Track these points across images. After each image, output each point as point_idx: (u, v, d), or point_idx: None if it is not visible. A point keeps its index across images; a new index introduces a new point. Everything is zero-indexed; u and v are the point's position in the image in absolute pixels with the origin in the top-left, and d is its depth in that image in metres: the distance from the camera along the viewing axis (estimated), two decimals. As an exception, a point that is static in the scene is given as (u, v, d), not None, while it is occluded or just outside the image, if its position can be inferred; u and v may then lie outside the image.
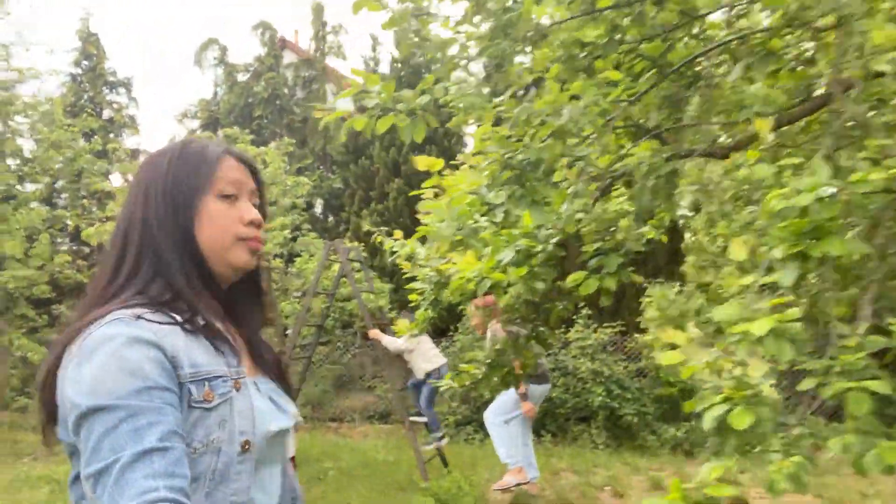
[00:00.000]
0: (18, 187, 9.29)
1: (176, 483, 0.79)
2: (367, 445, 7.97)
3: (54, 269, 8.74)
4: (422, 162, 2.29)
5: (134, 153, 13.61)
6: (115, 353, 0.83)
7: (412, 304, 3.76)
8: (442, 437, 6.15)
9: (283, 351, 6.44)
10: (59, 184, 13.12)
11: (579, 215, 2.35)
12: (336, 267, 6.80)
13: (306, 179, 7.41)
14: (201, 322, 0.94)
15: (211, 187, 0.99)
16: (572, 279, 2.27)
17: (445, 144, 11.01)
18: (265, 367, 1.07)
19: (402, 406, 5.93)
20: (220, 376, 0.92)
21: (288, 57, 13.70)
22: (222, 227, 0.98)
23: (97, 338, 0.84)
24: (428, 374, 5.93)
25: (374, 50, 12.05)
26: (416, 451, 5.69)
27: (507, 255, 2.34)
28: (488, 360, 3.87)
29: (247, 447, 0.91)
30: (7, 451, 7.86)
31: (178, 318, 0.91)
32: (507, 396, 5.27)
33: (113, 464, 0.77)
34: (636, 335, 8.67)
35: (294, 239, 7.25)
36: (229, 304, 1.07)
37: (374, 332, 6.04)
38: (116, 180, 13.97)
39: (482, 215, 2.08)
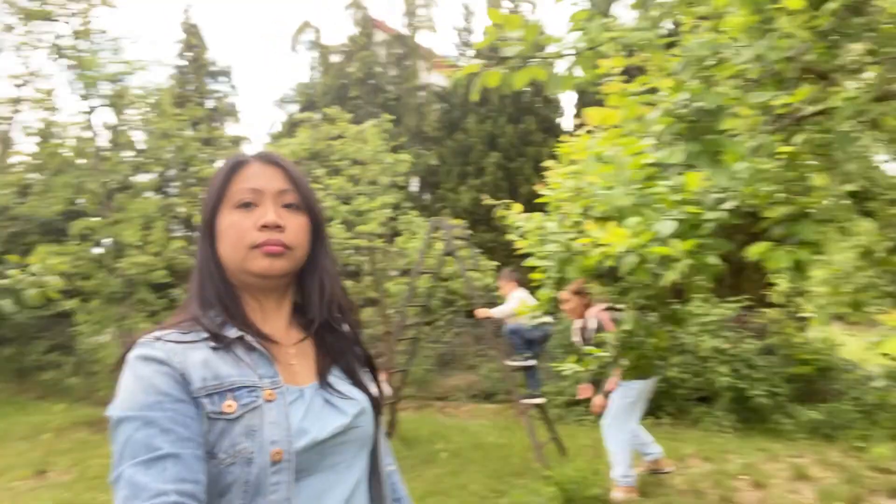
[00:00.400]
0: (133, 178, 9.72)
1: (187, 488, 0.82)
2: (476, 426, 7.81)
3: (170, 254, 9.09)
4: (594, 115, 1.96)
5: (235, 140, 14.03)
6: (133, 370, 0.90)
7: (534, 283, 3.48)
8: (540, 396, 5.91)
9: (389, 332, 6.34)
10: (170, 173, 13.78)
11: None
12: (439, 245, 6.60)
13: (407, 156, 7.21)
14: (231, 335, 0.97)
15: (225, 201, 1.01)
16: (755, 252, 1.89)
17: (543, 113, 10.53)
18: (330, 369, 1.06)
19: (512, 386, 5.65)
20: (247, 387, 0.93)
21: (377, 36, 13.59)
22: (236, 238, 0.99)
23: (129, 355, 0.93)
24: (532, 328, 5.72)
25: (466, 20, 11.69)
26: (532, 435, 5.43)
27: (667, 225, 1.99)
28: (617, 343, 3.55)
29: (278, 457, 0.91)
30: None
31: (204, 334, 0.96)
32: (624, 399, 4.87)
33: (127, 469, 0.82)
34: (763, 310, 7.99)
35: (395, 218, 7.11)
36: (304, 306, 1.09)
37: (482, 311, 5.81)
38: (221, 167, 14.39)
39: (648, 178, 1.73)
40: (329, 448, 0.99)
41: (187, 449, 0.85)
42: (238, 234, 1.00)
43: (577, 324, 5.20)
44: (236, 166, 1.03)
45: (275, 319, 1.06)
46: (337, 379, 1.06)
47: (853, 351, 7.81)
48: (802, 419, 6.87)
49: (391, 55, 12.56)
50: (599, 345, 4.95)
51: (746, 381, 7.02)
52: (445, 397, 9.63)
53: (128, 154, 9.45)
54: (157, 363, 0.90)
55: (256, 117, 31.37)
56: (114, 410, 0.89)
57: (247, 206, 1.01)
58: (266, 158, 1.05)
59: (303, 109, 13.23)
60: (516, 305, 5.65)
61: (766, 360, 7.42)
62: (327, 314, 1.09)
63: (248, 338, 0.98)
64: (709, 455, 5.96)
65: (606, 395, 4.90)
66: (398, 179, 7.28)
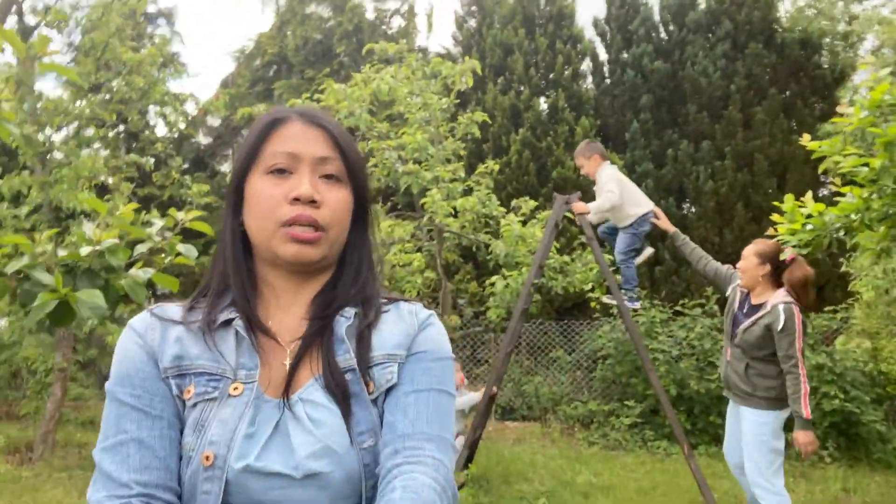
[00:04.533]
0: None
1: (151, 478, 0.76)
2: (527, 453, 6.40)
3: None
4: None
5: (181, 98, 11.67)
6: (120, 342, 0.85)
7: None
8: (638, 299, 4.58)
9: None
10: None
11: None
12: (537, 231, 5.13)
13: (482, 116, 5.63)
14: (220, 319, 0.85)
15: (257, 164, 0.88)
16: None
17: (571, 88, 9.26)
18: (318, 379, 0.84)
19: (678, 429, 4.29)
20: (209, 373, 0.82)
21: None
22: (265, 210, 0.85)
23: None
24: (633, 221, 4.38)
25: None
26: (704, 489, 4.10)
27: None
28: None
29: (208, 462, 0.77)
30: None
31: (196, 314, 0.87)
32: (772, 437, 3.48)
33: (98, 453, 0.78)
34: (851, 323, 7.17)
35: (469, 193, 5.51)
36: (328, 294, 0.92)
37: (580, 205, 4.40)
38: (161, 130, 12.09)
39: None
40: (278, 488, 0.77)
41: (154, 430, 0.78)
42: (266, 205, 0.85)
43: (738, 295, 3.77)
44: (274, 124, 0.88)
45: (290, 306, 0.90)
46: (318, 395, 0.83)
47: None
48: (914, 448, 6.05)
49: (383, 11, 10.80)
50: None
51: (856, 403, 6.09)
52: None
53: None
54: (135, 335, 0.84)
55: (205, 72, 26.64)
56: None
57: (280, 172, 0.86)
58: (308, 117, 0.89)
59: (267, 66, 11.20)
60: (616, 188, 4.26)
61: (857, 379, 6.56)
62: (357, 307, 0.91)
63: (238, 323, 0.85)
64: (869, 499, 4.93)
65: (809, 424, 3.36)
66: (458, 146, 5.70)
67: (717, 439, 5.96)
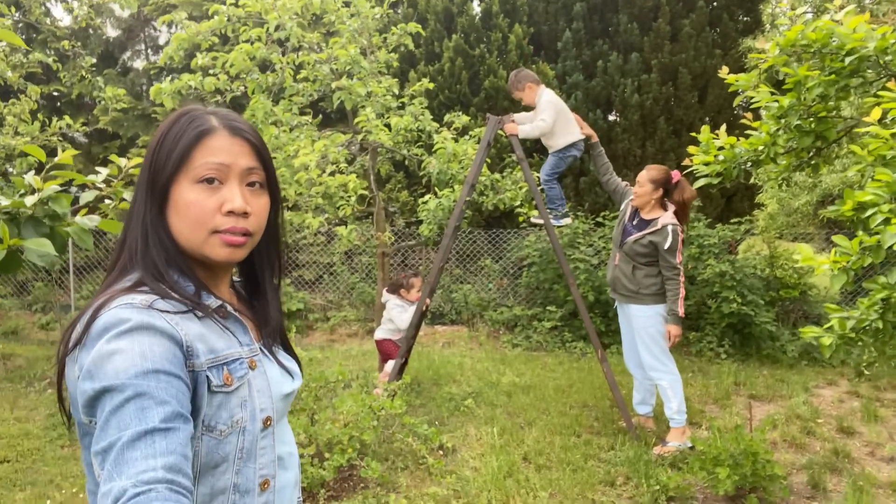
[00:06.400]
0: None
1: (176, 462, 0.78)
2: (455, 357, 6.81)
3: None
4: None
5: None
6: (127, 335, 0.82)
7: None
8: (566, 215, 4.82)
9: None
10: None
11: None
12: (470, 148, 5.21)
13: (416, 26, 5.48)
14: (212, 305, 0.96)
15: (186, 172, 0.93)
16: None
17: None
18: (269, 329, 1.09)
19: (594, 337, 4.67)
20: (237, 359, 0.94)
21: None
22: (195, 218, 0.93)
23: (108, 321, 0.84)
24: (562, 148, 4.53)
25: None
26: (614, 389, 4.55)
27: None
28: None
29: (269, 423, 0.97)
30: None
31: (188, 304, 0.92)
32: (659, 326, 4.15)
33: (116, 441, 0.77)
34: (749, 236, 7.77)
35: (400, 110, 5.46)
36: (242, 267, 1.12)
37: (511, 127, 4.51)
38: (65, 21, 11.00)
39: None
40: (288, 399, 1.07)
41: (178, 424, 0.80)
42: (200, 215, 0.93)
43: (629, 210, 4.28)
44: (201, 135, 0.94)
45: (223, 285, 1.05)
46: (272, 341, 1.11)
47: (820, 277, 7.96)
48: (799, 343, 6.81)
49: None
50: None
51: (752, 307, 6.75)
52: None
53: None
54: (159, 334, 0.84)
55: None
56: (96, 378, 0.80)
57: (210, 181, 0.93)
58: (233, 129, 0.96)
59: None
60: (550, 118, 4.38)
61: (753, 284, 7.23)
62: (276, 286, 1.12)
63: (228, 308, 0.98)
64: (756, 392, 5.60)
65: (678, 319, 4.08)
66: (392, 58, 5.58)
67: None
